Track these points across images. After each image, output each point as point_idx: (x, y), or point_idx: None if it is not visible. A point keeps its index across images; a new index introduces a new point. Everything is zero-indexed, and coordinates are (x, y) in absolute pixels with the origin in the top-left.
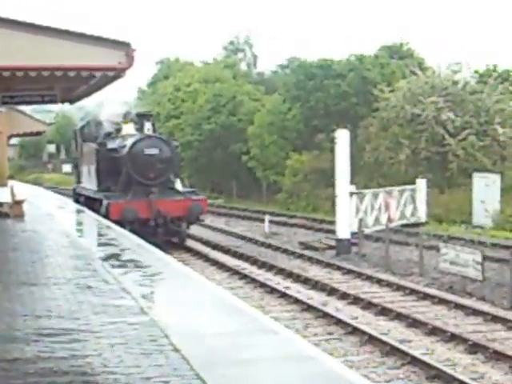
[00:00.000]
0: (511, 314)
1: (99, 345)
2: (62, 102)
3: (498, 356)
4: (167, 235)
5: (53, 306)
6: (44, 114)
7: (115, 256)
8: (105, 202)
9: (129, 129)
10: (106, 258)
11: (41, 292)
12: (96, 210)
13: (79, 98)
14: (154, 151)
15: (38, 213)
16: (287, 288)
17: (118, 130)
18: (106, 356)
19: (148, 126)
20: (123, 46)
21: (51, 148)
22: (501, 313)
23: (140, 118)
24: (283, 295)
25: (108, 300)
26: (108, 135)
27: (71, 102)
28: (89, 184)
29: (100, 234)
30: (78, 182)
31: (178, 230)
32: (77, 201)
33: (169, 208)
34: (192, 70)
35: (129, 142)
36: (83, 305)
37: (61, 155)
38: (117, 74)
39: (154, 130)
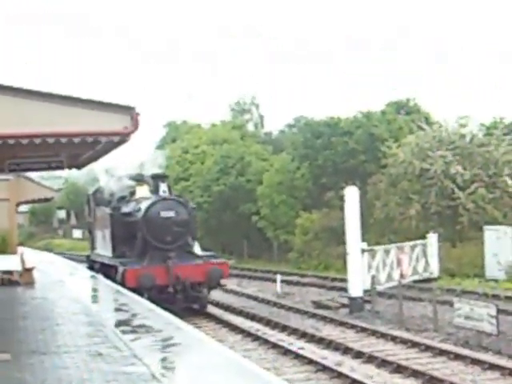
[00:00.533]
0: None
1: None
2: (69, 167)
3: None
4: (187, 302)
5: (63, 374)
6: (52, 181)
7: (126, 322)
8: (120, 269)
9: (143, 191)
10: (117, 324)
11: (51, 361)
12: (112, 278)
13: (86, 164)
14: (171, 214)
15: (49, 280)
16: (301, 348)
17: (132, 193)
18: None
19: (163, 187)
20: (128, 110)
21: (61, 214)
22: None
23: (155, 180)
24: (297, 356)
25: (119, 367)
26: (122, 199)
27: (78, 167)
28: (103, 250)
29: (112, 300)
30: (93, 248)
31: (198, 296)
32: (91, 268)
33: (188, 273)
34: (199, 131)
35: (144, 205)
36: (94, 373)
37: (71, 221)
38: (122, 138)
39: (170, 192)
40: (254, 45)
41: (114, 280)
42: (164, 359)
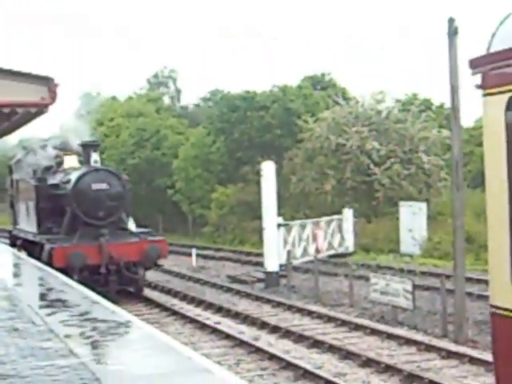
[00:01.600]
0: (444, 343)
1: None
2: None
3: None
4: (121, 284)
5: None
6: None
7: (42, 296)
8: (47, 247)
9: (72, 161)
10: (34, 299)
11: None
12: (36, 256)
13: (2, 135)
14: (103, 186)
15: None
16: (217, 323)
17: (59, 164)
18: None
19: (95, 157)
20: (46, 81)
21: None
22: (434, 341)
23: (85, 149)
24: (214, 331)
25: (36, 342)
26: (48, 169)
27: None
28: (27, 225)
29: (27, 274)
30: (15, 223)
31: (133, 278)
32: (13, 244)
33: (122, 252)
34: (115, 104)
35: (73, 176)
36: (10, 348)
37: None
38: (40, 109)
39: (102, 163)
40: (174, 19)
41: (38, 259)
42: (81, 334)
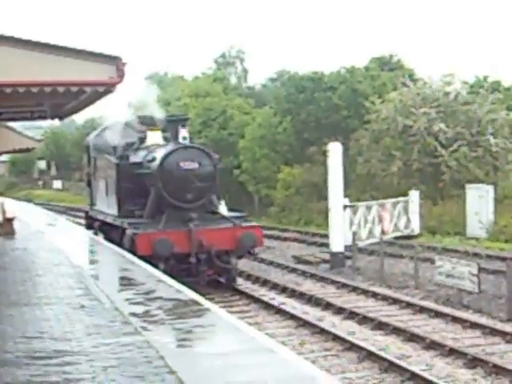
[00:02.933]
0: (509, 327)
1: (92, 368)
2: (52, 117)
3: (498, 370)
4: (212, 274)
5: (45, 326)
6: (34, 131)
7: (107, 273)
8: (129, 232)
9: (156, 137)
10: (98, 277)
11: (32, 312)
12: (115, 241)
13: (69, 114)
14: (193, 165)
15: (29, 230)
16: (282, 303)
17: (142, 140)
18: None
19: (184, 133)
20: (114, 60)
21: (42, 164)
22: (498, 325)
23: (172, 124)
24: (278, 311)
25: (101, 320)
26: (129, 146)
27: (61, 117)
28: (106, 207)
29: (91, 251)
30: (92, 203)
31: (225, 268)
32: (90, 226)
33: (214, 239)
34: (182, 84)
35: (159, 153)
36: (76, 325)
37: (51, 171)
38: (107, 88)
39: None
40: None
41: (119, 244)
42: (146, 312)
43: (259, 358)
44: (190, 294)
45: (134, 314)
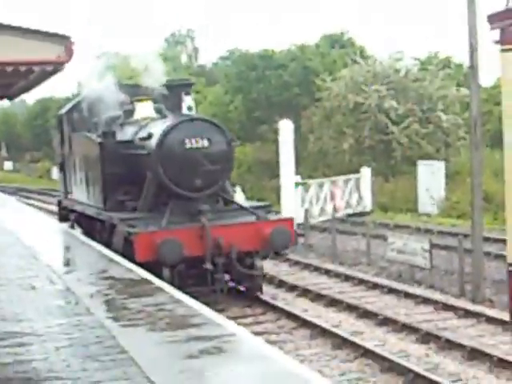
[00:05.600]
0: (461, 302)
1: (44, 349)
2: (1, 98)
3: (450, 345)
4: (232, 282)
5: None
6: None
7: (63, 252)
8: (123, 231)
9: (146, 109)
10: (49, 255)
11: None
12: (100, 239)
13: (18, 94)
14: (202, 143)
15: None
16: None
17: (129, 113)
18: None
19: (189, 102)
20: (62, 39)
21: None
22: (451, 301)
23: (173, 91)
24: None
25: (53, 301)
26: (113, 120)
27: (10, 98)
28: (85, 196)
29: (53, 231)
30: (66, 191)
31: (248, 274)
32: (64, 218)
33: (234, 237)
34: (132, 62)
35: (157, 128)
36: (28, 306)
37: (2, 152)
38: (56, 67)
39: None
40: None
41: (105, 244)
42: (98, 292)
43: (209, 330)
44: (142, 274)
45: (85, 295)
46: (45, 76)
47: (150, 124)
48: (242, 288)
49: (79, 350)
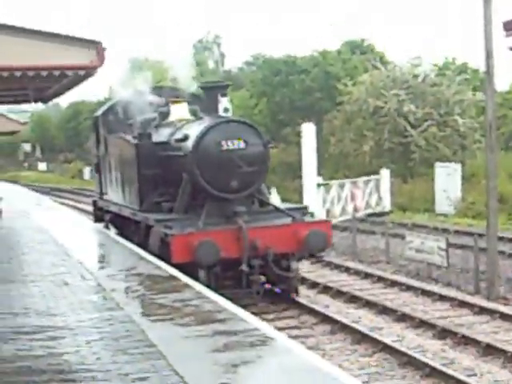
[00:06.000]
0: (477, 299)
1: (76, 342)
2: (35, 101)
3: (466, 341)
4: (268, 284)
5: (30, 303)
6: (19, 114)
7: (94, 249)
8: (160, 233)
9: (182, 111)
10: (83, 255)
11: (18, 290)
12: (135, 239)
13: (52, 97)
14: (238, 145)
15: (15, 210)
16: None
17: (164, 115)
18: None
19: (225, 103)
20: (94, 44)
21: (27, 147)
22: (467, 298)
23: (209, 93)
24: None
25: (85, 296)
26: (149, 122)
27: (44, 101)
28: (121, 197)
29: (85, 229)
30: (101, 192)
31: (284, 276)
32: (100, 219)
33: (272, 240)
34: (161, 68)
35: (193, 130)
36: (60, 301)
37: (36, 153)
38: (88, 72)
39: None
40: None
41: (141, 245)
42: (127, 288)
43: (234, 325)
44: (170, 271)
45: (115, 290)
46: (78, 80)
47: (185, 125)
48: (277, 290)
49: (109, 343)
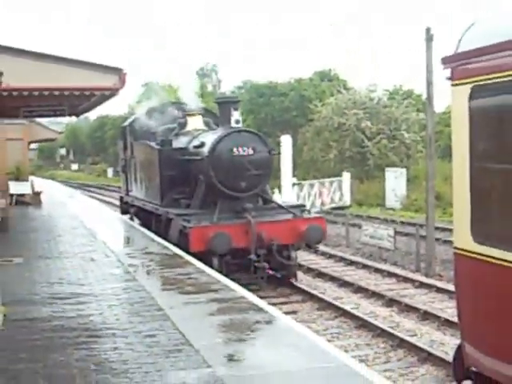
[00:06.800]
0: (417, 276)
1: (100, 306)
2: (70, 115)
3: (408, 308)
4: (271, 270)
5: (64, 274)
6: (56, 125)
7: (112, 233)
8: (179, 225)
9: (197, 122)
10: (107, 235)
11: (55, 264)
12: (155, 230)
13: (83, 112)
14: (247, 151)
15: (53, 201)
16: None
17: (182, 125)
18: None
19: (236, 115)
20: (117, 71)
21: (62, 151)
22: (409, 275)
23: (223, 106)
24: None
25: (107, 269)
26: (169, 131)
27: (77, 115)
28: (144, 194)
29: (108, 217)
30: (127, 189)
31: (285, 263)
32: (125, 212)
33: (275, 232)
34: (169, 90)
35: (209, 138)
36: (88, 273)
37: (69, 156)
38: (112, 93)
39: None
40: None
41: (161, 234)
42: (141, 264)
43: (225, 294)
44: (174, 250)
45: (133, 266)
46: (103, 99)
47: (202, 134)
48: (278, 275)
49: (126, 307)
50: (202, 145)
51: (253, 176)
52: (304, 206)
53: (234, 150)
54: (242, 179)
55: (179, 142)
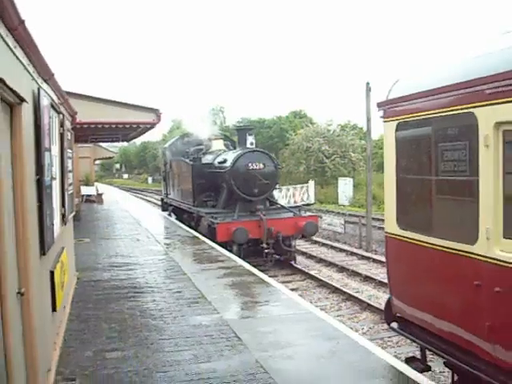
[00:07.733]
0: (360, 251)
1: (143, 272)
2: (123, 141)
3: (354, 273)
4: (277, 255)
5: (118, 249)
6: (113, 147)
7: (153, 223)
8: (208, 221)
9: (219, 144)
10: (147, 223)
11: (111, 242)
12: (187, 223)
13: (131, 139)
14: (259, 166)
15: (110, 200)
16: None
17: (208, 146)
18: (147, 278)
19: (251, 139)
20: (155, 110)
21: (117, 165)
22: (354, 250)
23: (241, 132)
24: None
25: (148, 246)
26: (198, 151)
27: (127, 141)
28: (180, 196)
29: (148, 211)
30: (166, 193)
31: (287, 250)
32: (165, 209)
33: (281, 227)
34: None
35: (230, 156)
36: (135, 249)
37: (122, 169)
38: (151, 126)
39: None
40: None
41: (193, 227)
42: (172, 243)
43: (229, 263)
44: (194, 233)
45: (165, 244)
46: (145, 130)
47: (223, 153)
48: (281, 258)
49: (161, 272)
50: (225, 161)
51: (263, 184)
52: (301, 206)
53: (249, 165)
54: (254, 187)
55: (206, 159)
